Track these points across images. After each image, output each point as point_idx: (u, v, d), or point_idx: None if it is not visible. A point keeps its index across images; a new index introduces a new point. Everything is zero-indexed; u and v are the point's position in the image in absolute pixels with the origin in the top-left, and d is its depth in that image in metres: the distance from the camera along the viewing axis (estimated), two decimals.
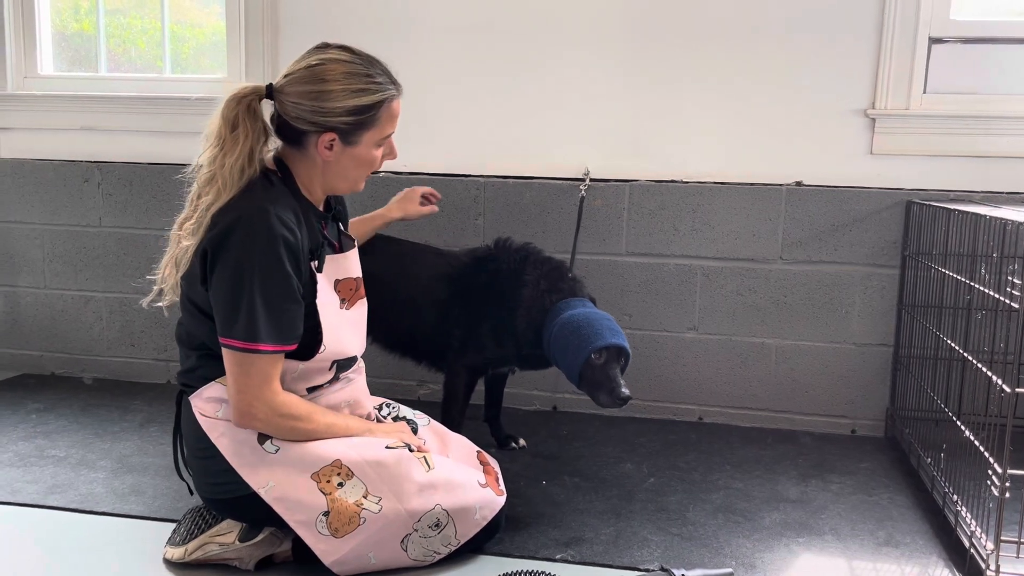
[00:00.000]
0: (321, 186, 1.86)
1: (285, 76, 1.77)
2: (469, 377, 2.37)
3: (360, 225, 2.37)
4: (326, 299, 1.83)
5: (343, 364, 1.90)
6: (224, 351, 1.72)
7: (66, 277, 3.23)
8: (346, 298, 1.91)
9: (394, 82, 1.82)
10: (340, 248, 1.93)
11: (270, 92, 1.78)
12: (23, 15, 3.22)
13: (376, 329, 2.42)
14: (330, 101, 1.73)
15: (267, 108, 1.80)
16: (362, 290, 1.98)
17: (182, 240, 1.77)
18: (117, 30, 3.32)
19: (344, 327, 1.89)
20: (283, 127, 1.80)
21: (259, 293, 1.68)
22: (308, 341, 1.80)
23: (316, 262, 1.81)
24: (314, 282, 1.80)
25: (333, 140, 1.77)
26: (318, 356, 1.81)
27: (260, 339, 1.68)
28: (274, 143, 1.84)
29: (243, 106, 1.74)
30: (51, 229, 3.21)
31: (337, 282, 1.88)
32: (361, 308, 1.97)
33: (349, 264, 1.93)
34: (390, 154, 1.89)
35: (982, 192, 2.66)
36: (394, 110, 1.82)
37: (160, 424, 2.72)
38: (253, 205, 1.70)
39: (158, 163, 3.09)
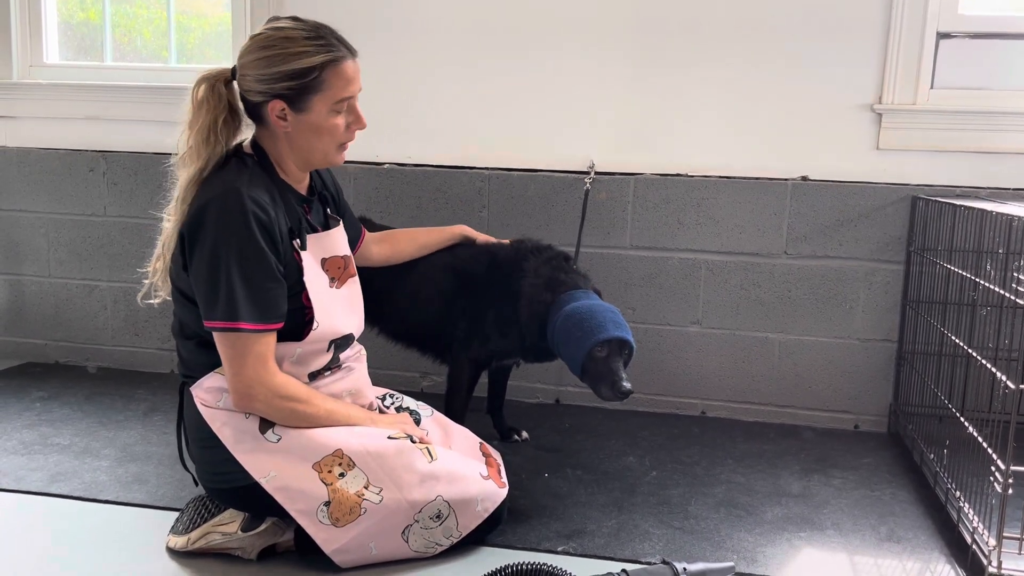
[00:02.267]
0: (294, 161, 1.85)
1: (239, 54, 1.80)
2: (473, 369, 2.37)
3: (435, 234, 2.36)
4: (314, 278, 1.83)
5: (340, 344, 1.90)
6: (214, 336, 1.73)
7: (71, 266, 3.24)
8: (335, 276, 1.91)
9: (344, 45, 1.80)
10: (325, 229, 1.93)
11: (234, 74, 1.80)
12: (29, 4, 3.22)
13: (382, 320, 2.43)
14: (272, 67, 1.74)
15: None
16: (352, 268, 1.97)
17: (166, 224, 1.82)
18: (123, 19, 3.32)
19: (335, 305, 1.89)
20: (245, 105, 1.82)
21: (236, 272, 1.69)
22: (298, 321, 1.80)
23: (298, 241, 1.81)
24: (299, 261, 1.80)
25: (284, 109, 1.77)
26: (312, 335, 1.81)
27: (240, 317, 1.69)
28: (247, 127, 1.86)
29: (207, 86, 1.78)
30: (56, 218, 3.22)
31: (324, 260, 1.88)
32: (352, 286, 1.97)
33: (334, 242, 1.93)
34: (356, 122, 1.86)
35: (988, 188, 2.65)
36: (343, 72, 1.78)
37: (164, 413, 2.73)
38: (225, 186, 1.72)
39: (163, 152, 3.03)
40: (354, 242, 2.18)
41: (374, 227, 2.47)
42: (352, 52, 1.82)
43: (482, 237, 2.38)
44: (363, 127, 1.87)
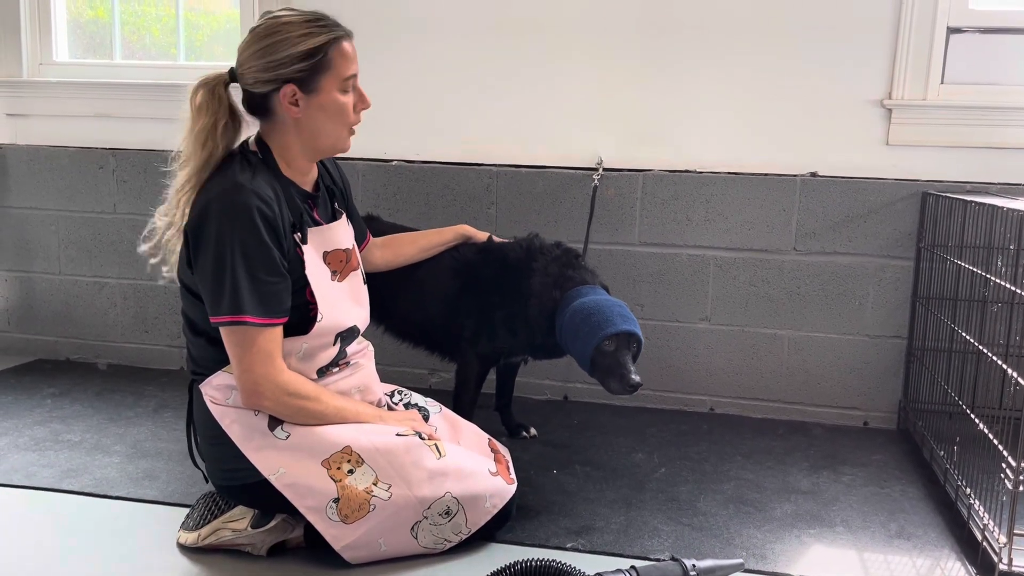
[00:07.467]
0: (302, 152, 1.85)
1: (238, 52, 1.82)
2: (481, 366, 2.37)
3: (436, 236, 2.37)
4: (315, 271, 1.84)
5: (346, 336, 1.90)
6: (221, 332, 1.74)
7: (81, 263, 3.25)
8: (337, 270, 1.91)
9: (340, 26, 1.84)
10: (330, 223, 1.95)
11: (233, 75, 1.82)
12: (38, 2, 3.23)
13: (389, 319, 2.43)
14: (280, 52, 1.76)
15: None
16: (354, 261, 1.98)
17: (158, 222, 1.86)
18: (131, 17, 3.33)
19: (339, 298, 1.89)
20: (250, 101, 1.83)
21: (241, 266, 1.69)
22: (303, 316, 1.81)
23: (299, 234, 1.81)
24: (300, 255, 1.81)
25: (295, 93, 1.78)
26: (316, 328, 1.81)
27: (245, 311, 1.69)
28: (247, 127, 1.86)
29: (207, 91, 1.79)
30: (66, 215, 3.23)
31: (326, 254, 1.89)
32: (355, 279, 1.97)
33: (336, 235, 1.93)
34: (361, 102, 1.88)
35: (999, 184, 2.63)
36: (346, 50, 1.82)
37: (174, 410, 2.74)
38: (228, 182, 1.73)
39: (172, 150, 3.08)
40: (358, 244, 2.18)
41: (383, 224, 2.48)
42: (349, 33, 1.85)
43: (482, 236, 2.38)
44: (368, 106, 1.89)
